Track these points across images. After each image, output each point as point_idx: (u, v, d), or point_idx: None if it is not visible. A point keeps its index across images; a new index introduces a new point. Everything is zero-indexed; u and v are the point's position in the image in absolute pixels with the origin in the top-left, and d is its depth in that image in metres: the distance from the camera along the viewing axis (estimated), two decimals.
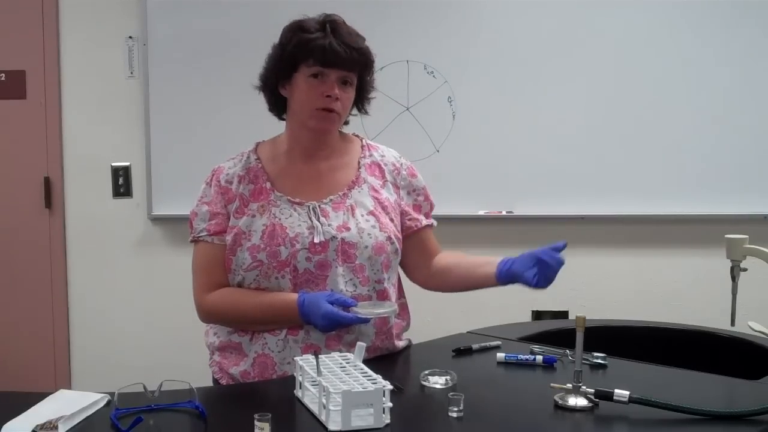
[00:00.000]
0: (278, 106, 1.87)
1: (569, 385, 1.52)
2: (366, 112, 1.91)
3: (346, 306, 1.70)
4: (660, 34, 3.37)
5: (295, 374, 1.58)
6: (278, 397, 1.60)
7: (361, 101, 1.88)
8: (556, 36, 3.38)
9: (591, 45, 3.38)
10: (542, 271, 1.69)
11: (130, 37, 3.47)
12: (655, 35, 3.37)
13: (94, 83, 3.51)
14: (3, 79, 3.51)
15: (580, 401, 1.51)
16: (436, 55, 3.39)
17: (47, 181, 3.55)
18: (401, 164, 1.94)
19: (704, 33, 3.36)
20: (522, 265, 1.72)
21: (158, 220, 3.52)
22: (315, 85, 1.77)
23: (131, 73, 3.49)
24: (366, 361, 1.58)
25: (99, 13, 3.48)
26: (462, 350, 1.89)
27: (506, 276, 1.76)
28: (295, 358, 1.59)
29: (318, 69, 1.76)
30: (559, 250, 1.69)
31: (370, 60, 1.83)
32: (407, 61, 3.39)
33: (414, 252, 1.92)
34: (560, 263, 1.68)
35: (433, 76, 3.41)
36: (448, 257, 1.95)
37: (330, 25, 1.77)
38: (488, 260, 1.82)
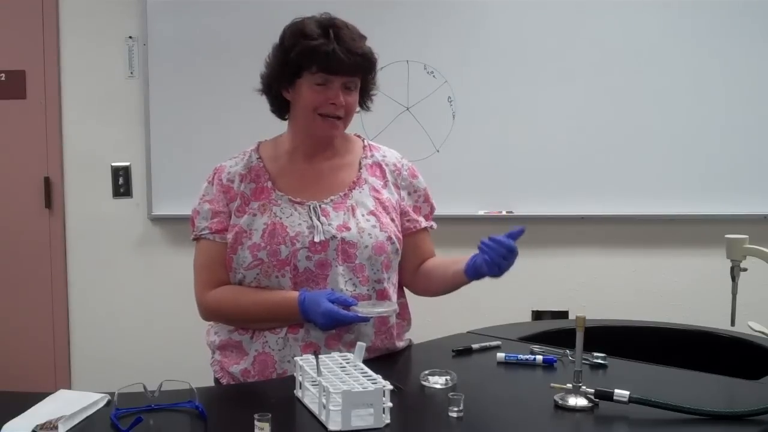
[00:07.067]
0: (281, 108, 1.87)
1: (569, 385, 1.52)
2: (368, 109, 1.91)
3: (346, 305, 1.70)
4: (660, 35, 3.37)
5: (295, 374, 1.58)
6: (278, 397, 1.60)
7: (363, 99, 1.88)
8: (556, 36, 3.37)
9: (590, 46, 3.38)
10: (490, 257, 1.67)
11: (130, 37, 3.47)
12: (655, 36, 3.37)
13: (94, 83, 3.51)
14: (3, 79, 3.51)
15: (580, 401, 1.51)
16: (436, 55, 3.39)
17: (47, 181, 3.55)
18: (402, 165, 1.94)
19: (704, 33, 3.36)
20: (481, 257, 1.71)
21: (158, 220, 3.52)
22: (319, 91, 1.77)
23: (131, 73, 3.49)
24: (366, 361, 1.58)
25: (99, 13, 3.48)
26: (462, 350, 1.89)
27: (472, 270, 1.75)
28: (295, 358, 1.59)
29: (322, 76, 1.76)
30: (514, 237, 1.68)
31: (373, 62, 1.83)
32: (407, 61, 3.39)
33: (407, 254, 1.91)
34: (507, 246, 1.66)
35: (433, 76, 3.41)
36: (431, 261, 1.95)
37: (333, 30, 1.76)
38: (461, 258, 1.81)
